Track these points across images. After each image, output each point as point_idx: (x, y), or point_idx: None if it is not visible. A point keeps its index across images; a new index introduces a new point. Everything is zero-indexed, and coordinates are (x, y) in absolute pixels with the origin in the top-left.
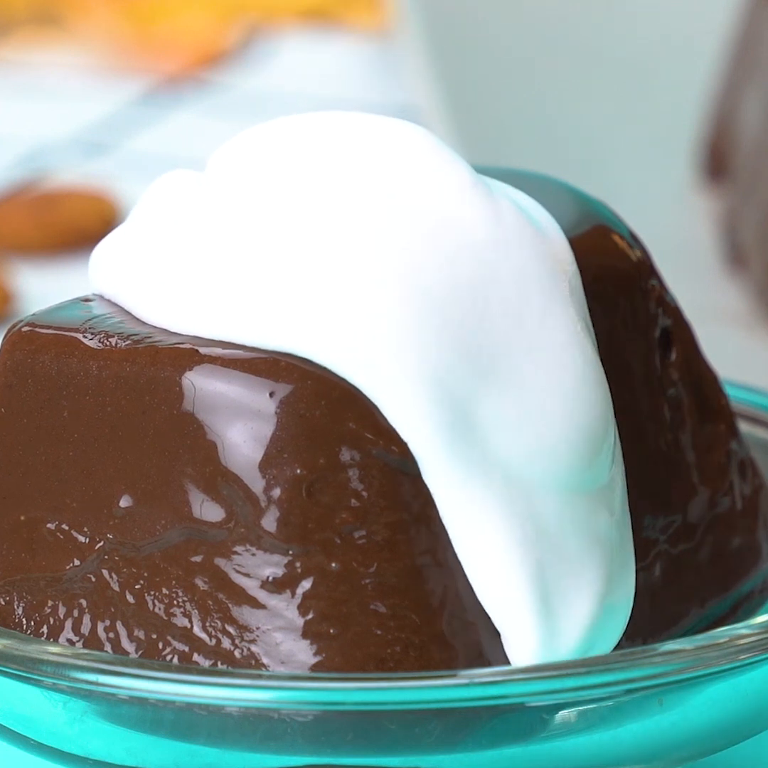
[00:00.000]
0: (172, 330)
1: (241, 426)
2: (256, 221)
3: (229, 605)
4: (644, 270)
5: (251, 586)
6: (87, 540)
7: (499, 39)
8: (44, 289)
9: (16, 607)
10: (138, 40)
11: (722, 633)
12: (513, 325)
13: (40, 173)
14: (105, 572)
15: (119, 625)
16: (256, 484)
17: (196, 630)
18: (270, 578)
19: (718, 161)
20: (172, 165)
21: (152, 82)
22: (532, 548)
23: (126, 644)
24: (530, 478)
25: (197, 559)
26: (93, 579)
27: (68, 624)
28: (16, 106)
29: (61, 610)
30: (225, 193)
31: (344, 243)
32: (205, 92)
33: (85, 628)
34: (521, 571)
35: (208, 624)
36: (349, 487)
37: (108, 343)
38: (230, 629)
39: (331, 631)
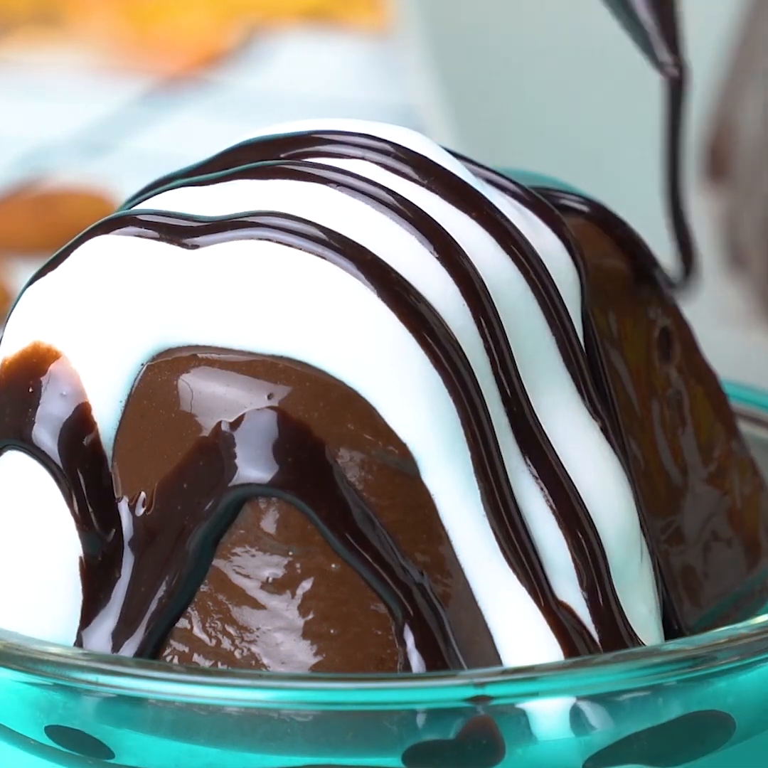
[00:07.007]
0: (169, 335)
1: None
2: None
3: (229, 606)
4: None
5: (251, 587)
6: None
7: (499, 39)
8: None
9: None
10: (138, 40)
11: (722, 633)
12: (514, 328)
13: (40, 173)
14: None
15: None
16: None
17: (196, 630)
18: (270, 579)
19: (718, 161)
20: (172, 165)
21: (152, 82)
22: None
23: None
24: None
25: None
26: None
27: None
28: (16, 106)
29: None
30: (218, 199)
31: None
32: (205, 92)
33: None
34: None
35: (208, 624)
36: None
37: None
38: (230, 630)
39: (332, 631)
